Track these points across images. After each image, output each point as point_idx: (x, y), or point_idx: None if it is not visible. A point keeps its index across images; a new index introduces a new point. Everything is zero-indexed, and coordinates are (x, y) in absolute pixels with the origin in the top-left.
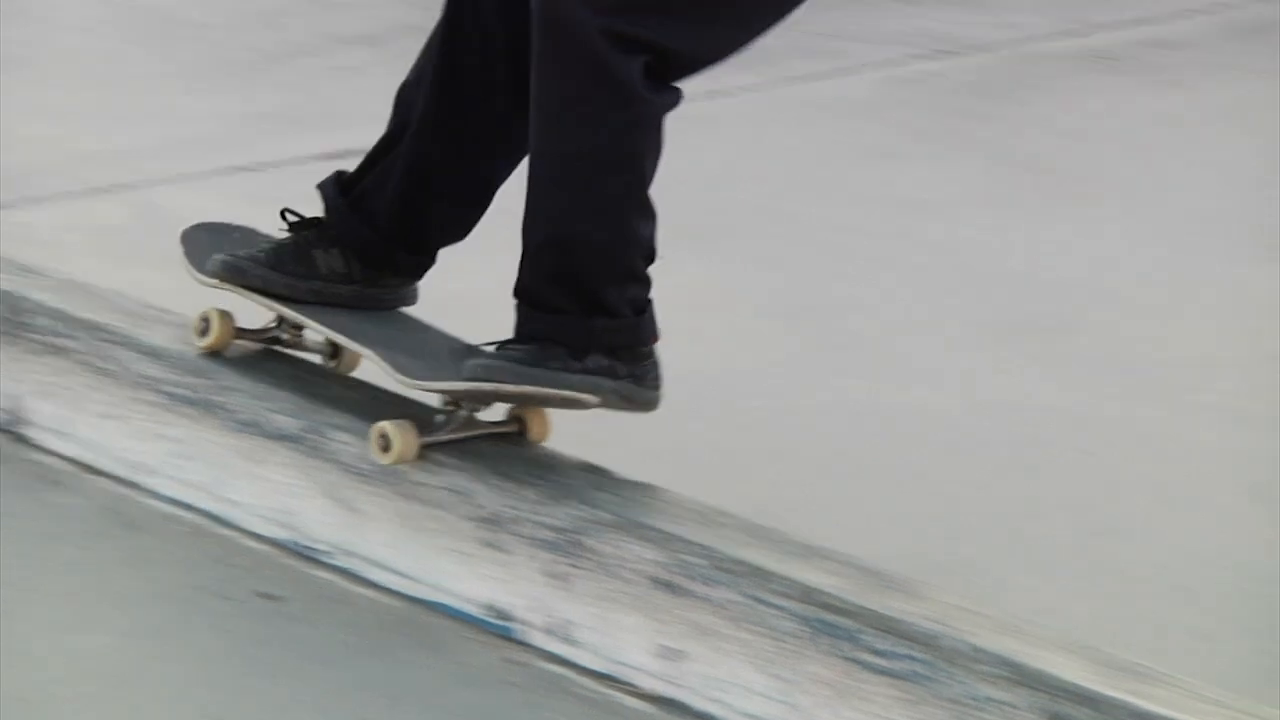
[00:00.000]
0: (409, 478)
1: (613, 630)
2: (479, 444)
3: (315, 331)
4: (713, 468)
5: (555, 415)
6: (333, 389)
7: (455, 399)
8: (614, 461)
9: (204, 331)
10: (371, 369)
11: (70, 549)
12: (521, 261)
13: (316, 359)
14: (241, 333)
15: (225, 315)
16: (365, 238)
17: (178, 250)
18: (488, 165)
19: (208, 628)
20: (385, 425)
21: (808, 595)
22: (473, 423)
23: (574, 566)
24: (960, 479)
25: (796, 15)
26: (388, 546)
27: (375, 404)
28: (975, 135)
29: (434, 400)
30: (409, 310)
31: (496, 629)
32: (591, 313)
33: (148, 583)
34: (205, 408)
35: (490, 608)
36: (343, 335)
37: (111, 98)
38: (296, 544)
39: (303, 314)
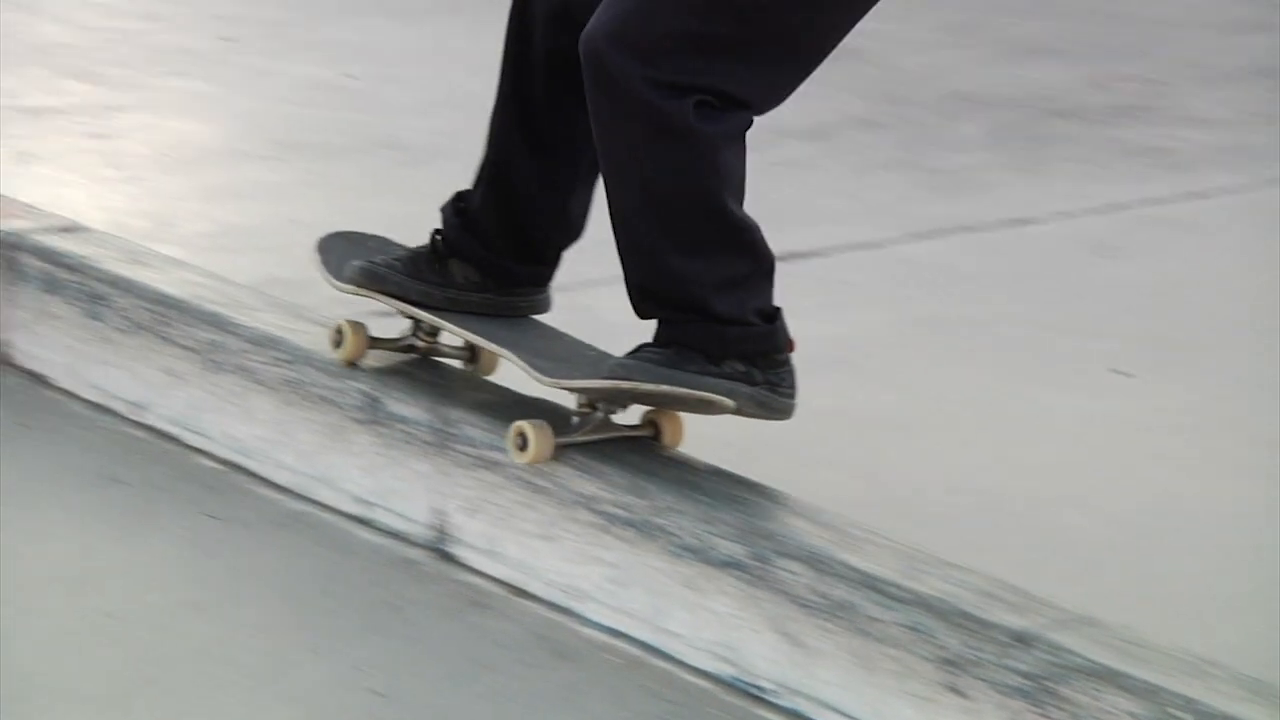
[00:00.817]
0: (863, 611)
1: None
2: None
3: (453, 336)
4: (1187, 609)
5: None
6: (781, 514)
7: (593, 399)
8: (1086, 600)
9: (338, 343)
10: (505, 373)
11: (498, 677)
12: (628, 292)
13: (456, 363)
14: (376, 342)
15: (358, 326)
16: (479, 254)
17: (314, 259)
18: (569, 169)
19: None
20: (523, 424)
21: None
22: (608, 424)
23: (1045, 717)
24: None
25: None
26: (839, 687)
27: (809, 525)
28: None
29: (570, 402)
30: (542, 318)
31: None
32: (719, 322)
33: (580, 718)
34: (643, 530)
35: None
36: (481, 338)
37: None
38: (739, 681)
39: (440, 319)
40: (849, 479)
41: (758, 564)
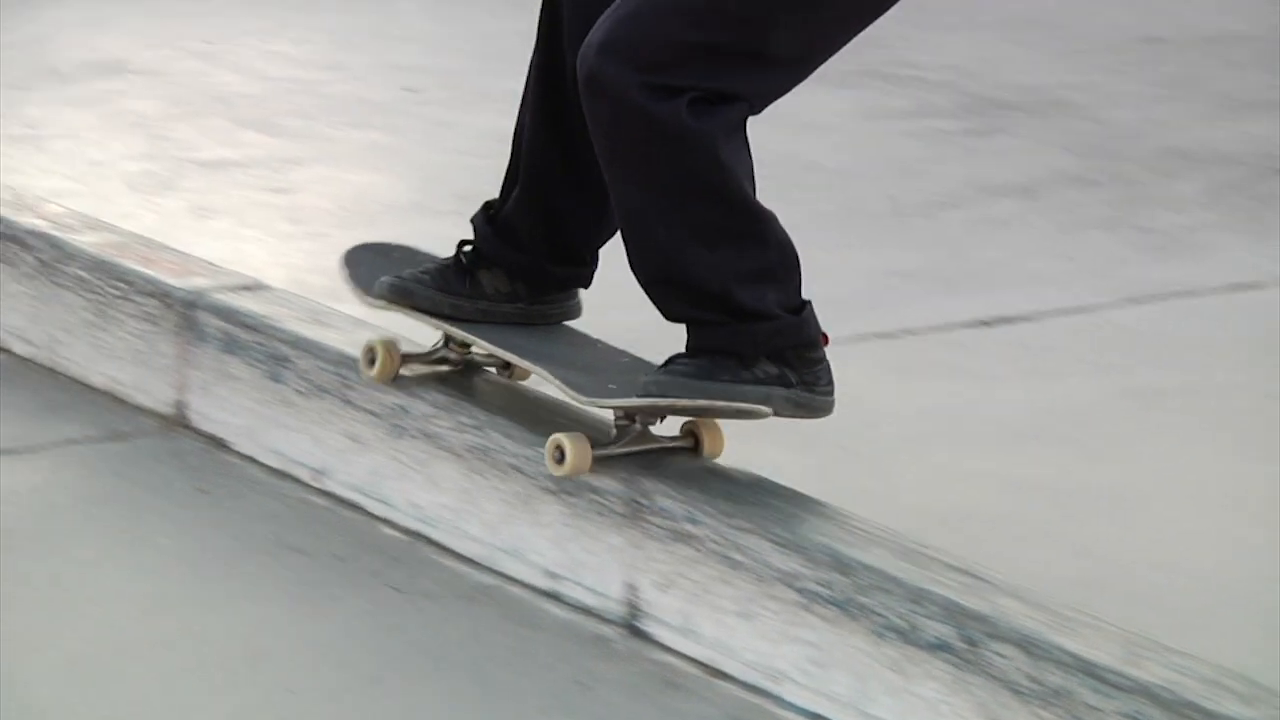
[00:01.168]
0: (1080, 699)
1: None
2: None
3: (484, 350)
4: None
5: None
6: (990, 594)
7: (630, 414)
8: None
9: (370, 362)
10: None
11: None
12: (648, 295)
13: (490, 371)
14: (409, 358)
15: (390, 344)
16: (513, 259)
17: (340, 273)
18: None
19: None
20: (560, 437)
21: None
22: (647, 436)
23: None
24: None
25: None
26: None
27: (1020, 606)
28: None
29: (608, 413)
30: (575, 324)
31: None
32: (744, 318)
33: None
34: (846, 609)
35: None
36: (513, 353)
37: None
38: None
39: (472, 333)
40: (1058, 556)
41: (967, 647)
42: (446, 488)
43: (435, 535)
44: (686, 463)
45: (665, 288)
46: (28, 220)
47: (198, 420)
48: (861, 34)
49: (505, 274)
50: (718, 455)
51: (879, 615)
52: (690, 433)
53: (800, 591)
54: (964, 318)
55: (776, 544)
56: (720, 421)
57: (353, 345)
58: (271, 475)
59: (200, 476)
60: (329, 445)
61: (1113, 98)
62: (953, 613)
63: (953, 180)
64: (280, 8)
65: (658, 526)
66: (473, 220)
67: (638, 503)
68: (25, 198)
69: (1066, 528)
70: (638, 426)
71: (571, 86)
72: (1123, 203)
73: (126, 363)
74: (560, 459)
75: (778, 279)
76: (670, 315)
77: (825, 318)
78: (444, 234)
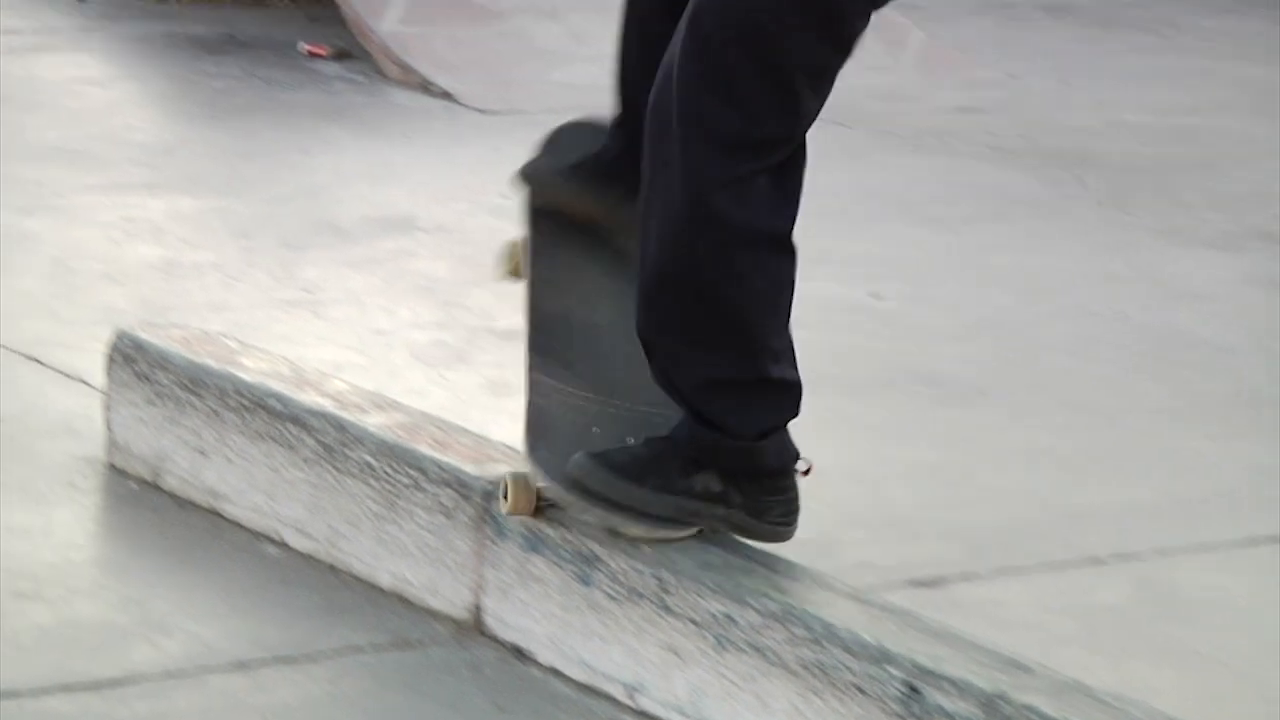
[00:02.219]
0: None
1: None
2: None
3: None
4: None
5: None
6: None
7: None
8: None
9: (504, 497)
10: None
11: None
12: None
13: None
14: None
15: (521, 481)
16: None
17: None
18: None
19: None
20: (508, 476)
21: None
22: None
23: None
24: None
25: None
26: None
27: None
28: None
29: None
30: None
31: None
32: (701, 423)
33: None
34: None
35: None
36: None
37: (1111, 439)
38: None
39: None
40: None
41: None
42: (778, 710)
43: None
44: (1050, 679)
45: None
46: (308, 398)
47: (496, 627)
48: (1246, 190)
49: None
50: None
51: None
52: None
53: None
54: None
55: None
56: None
57: (672, 546)
58: (579, 691)
59: (499, 692)
60: (644, 658)
61: None
62: None
63: None
64: None
65: None
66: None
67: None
68: (304, 372)
69: None
70: None
71: None
72: None
73: (417, 560)
74: (505, 497)
75: (751, 388)
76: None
77: (1208, 521)
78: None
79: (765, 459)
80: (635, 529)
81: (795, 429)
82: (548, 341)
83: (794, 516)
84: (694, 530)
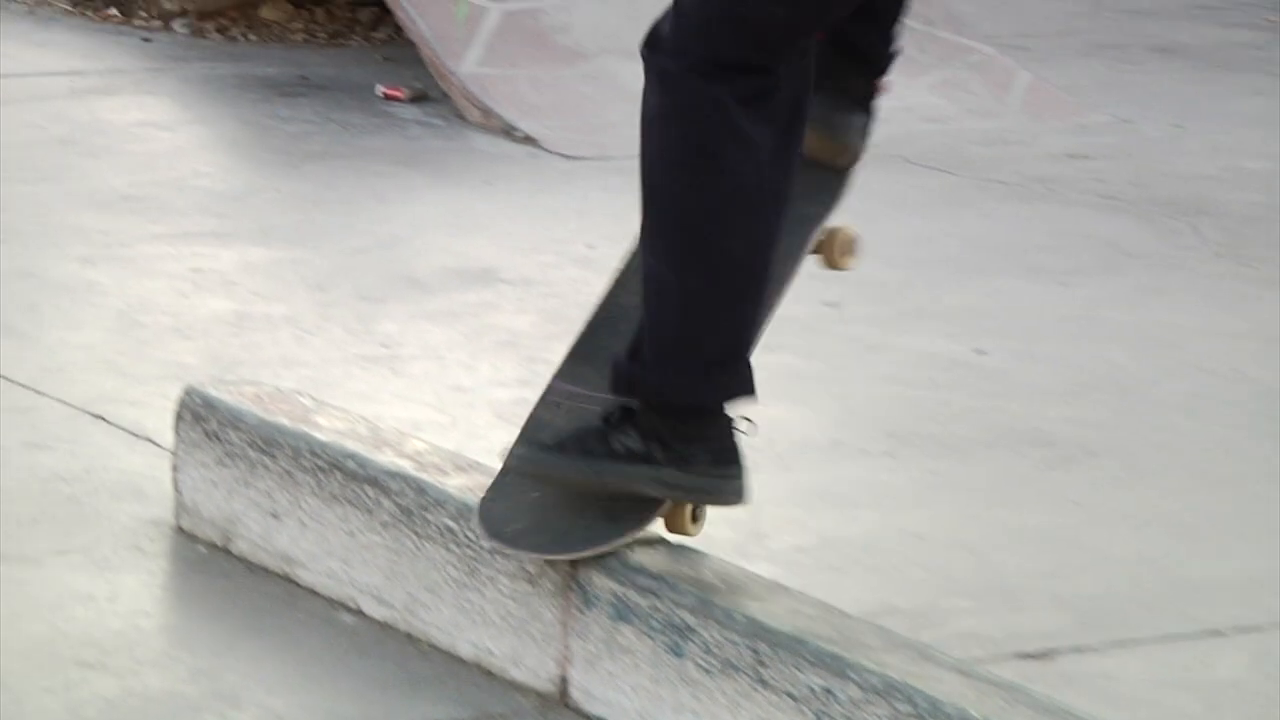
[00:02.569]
0: None
1: None
2: None
3: None
4: None
5: None
6: None
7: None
8: None
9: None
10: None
11: None
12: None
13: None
14: None
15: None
16: None
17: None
18: None
19: None
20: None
21: None
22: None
23: None
24: None
25: None
26: None
27: None
28: None
29: None
30: None
31: None
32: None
33: None
34: None
35: None
36: None
37: (1229, 503)
38: None
39: None
40: None
41: None
42: None
43: None
44: None
45: None
46: (386, 459)
47: (582, 700)
48: None
49: None
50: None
51: None
52: None
53: None
54: None
55: None
56: None
57: (770, 615)
58: None
59: None
60: None
61: None
62: None
63: None
64: None
65: None
66: None
67: None
68: (382, 431)
69: None
70: None
71: None
72: None
73: (500, 630)
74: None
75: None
76: None
77: None
78: (871, 480)
79: (670, 395)
80: (591, 541)
81: (894, 492)
82: (592, 340)
83: (730, 467)
84: (645, 524)
